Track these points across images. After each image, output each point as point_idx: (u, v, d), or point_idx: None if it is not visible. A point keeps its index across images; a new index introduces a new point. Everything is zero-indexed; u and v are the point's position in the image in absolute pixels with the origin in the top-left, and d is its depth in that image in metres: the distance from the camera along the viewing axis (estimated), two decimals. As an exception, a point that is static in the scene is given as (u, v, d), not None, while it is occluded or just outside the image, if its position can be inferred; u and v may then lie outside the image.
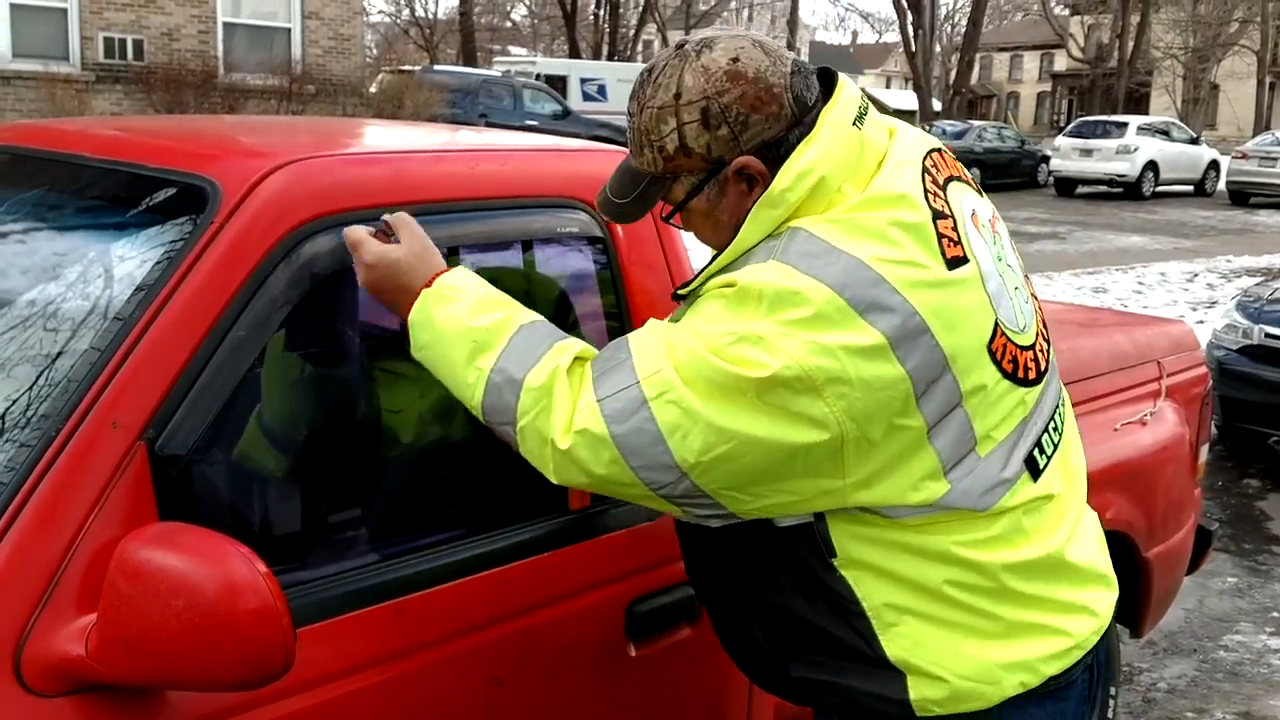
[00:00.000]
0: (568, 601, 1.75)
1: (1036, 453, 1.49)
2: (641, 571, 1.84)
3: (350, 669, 1.51)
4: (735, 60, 1.41)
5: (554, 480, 1.44)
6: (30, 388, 1.45)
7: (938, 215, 1.42)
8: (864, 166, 1.44)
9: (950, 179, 1.51)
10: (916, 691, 1.47)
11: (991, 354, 1.42)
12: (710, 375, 1.33)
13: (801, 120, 1.44)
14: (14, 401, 1.45)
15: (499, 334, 1.45)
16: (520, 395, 1.42)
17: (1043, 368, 1.52)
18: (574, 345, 1.46)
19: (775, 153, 1.43)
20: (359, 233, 1.52)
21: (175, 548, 1.25)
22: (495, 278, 2.14)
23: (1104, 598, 1.60)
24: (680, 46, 1.47)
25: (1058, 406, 1.58)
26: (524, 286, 2.06)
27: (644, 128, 1.45)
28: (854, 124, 1.44)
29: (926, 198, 1.43)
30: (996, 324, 1.43)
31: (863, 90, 1.54)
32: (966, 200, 1.51)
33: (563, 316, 2.05)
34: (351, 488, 1.87)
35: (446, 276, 1.50)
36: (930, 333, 1.35)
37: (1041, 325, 1.57)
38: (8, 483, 1.33)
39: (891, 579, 1.46)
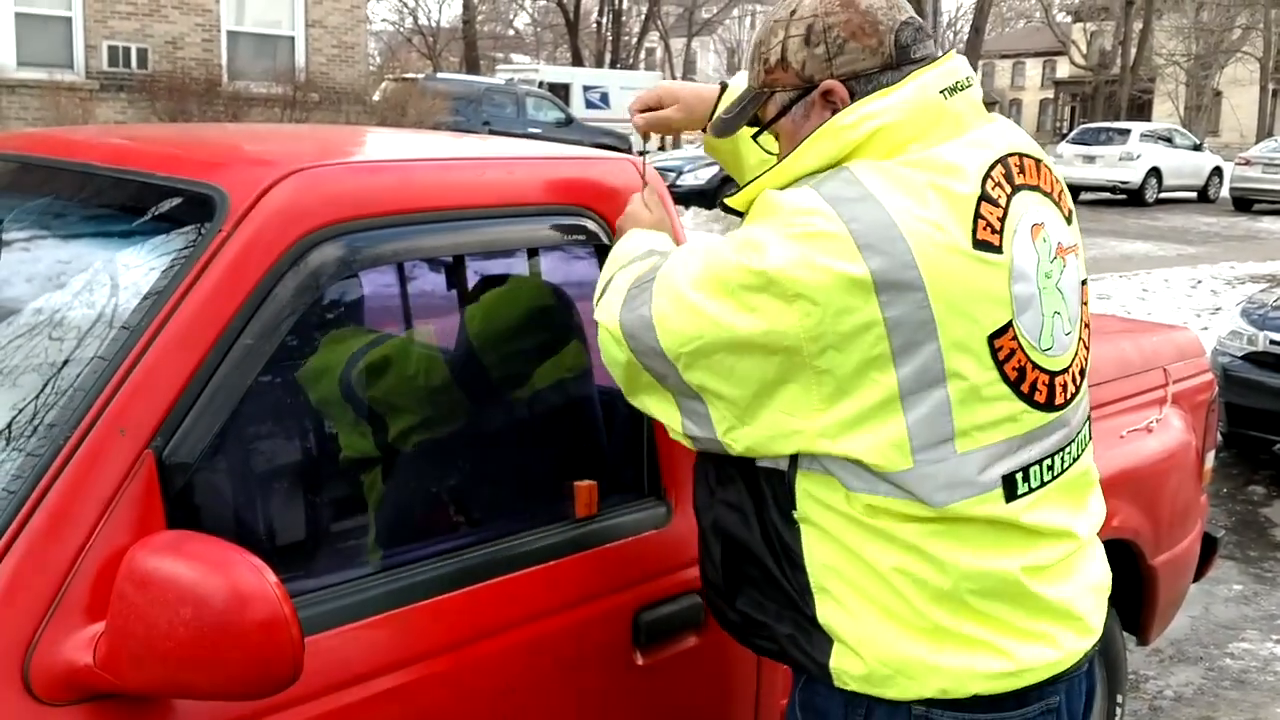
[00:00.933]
0: (574, 610, 1.75)
1: (1019, 477, 1.46)
2: (648, 580, 1.83)
3: (358, 677, 1.51)
4: None
5: (601, 346, 1.59)
6: (38, 396, 1.45)
7: (986, 199, 1.43)
8: (937, 134, 1.47)
9: (1030, 187, 1.51)
10: (837, 660, 1.48)
11: (994, 350, 1.41)
12: (711, 267, 1.44)
13: (899, 67, 1.49)
14: (22, 410, 1.45)
15: (637, 253, 1.66)
16: (610, 278, 1.62)
17: (1058, 401, 1.49)
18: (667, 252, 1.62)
19: (864, 88, 1.49)
20: (637, 199, 1.82)
21: (183, 556, 1.25)
22: (502, 284, 2.15)
23: (1071, 638, 1.52)
24: None
25: (1066, 448, 1.54)
26: (531, 293, 2.06)
27: (759, 39, 1.58)
28: (942, 93, 1.49)
29: (985, 182, 1.44)
30: (1011, 325, 1.42)
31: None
32: (1037, 211, 1.50)
33: (569, 323, 2.05)
34: (356, 496, 1.87)
35: (647, 231, 1.75)
36: (924, 292, 1.37)
37: (1078, 368, 1.54)
38: (16, 491, 1.33)
39: (839, 547, 1.47)
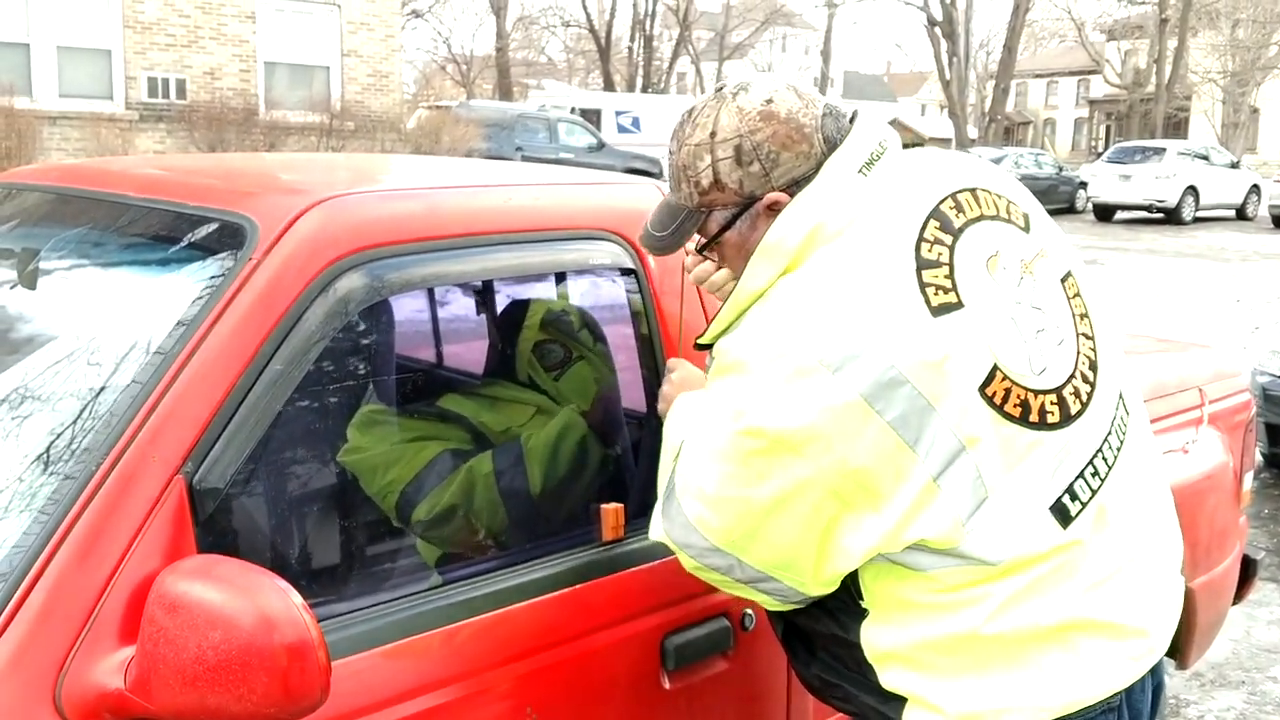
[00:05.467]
0: (601, 633, 1.75)
1: (1067, 499, 1.45)
2: (675, 604, 1.83)
3: (385, 702, 1.51)
4: (769, 101, 1.48)
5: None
6: (74, 421, 1.48)
7: (926, 265, 1.42)
8: (866, 212, 1.47)
9: (973, 220, 1.49)
10: (910, 717, 1.52)
11: (988, 399, 1.40)
12: (717, 454, 1.44)
13: None
14: (58, 435, 1.47)
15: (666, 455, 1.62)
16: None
17: (1073, 411, 1.46)
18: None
19: (804, 188, 1.48)
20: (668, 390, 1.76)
21: (213, 580, 1.27)
22: (530, 309, 2.16)
23: (1134, 653, 1.53)
24: (719, 89, 1.54)
25: (1106, 442, 1.51)
26: (557, 318, 2.08)
27: (682, 164, 1.53)
28: (860, 171, 1.48)
29: (920, 246, 1.43)
30: (995, 368, 1.41)
31: (896, 122, 1.55)
32: (987, 242, 1.47)
33: (596, 347, 2.06)
34: (385, 520, 1.88)
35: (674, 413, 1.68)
36: (909, 384, 1.36)
37: (1087, 366, 1.51)
38: (51, 514, 1.35)
39: (903, 628, 1.49)
